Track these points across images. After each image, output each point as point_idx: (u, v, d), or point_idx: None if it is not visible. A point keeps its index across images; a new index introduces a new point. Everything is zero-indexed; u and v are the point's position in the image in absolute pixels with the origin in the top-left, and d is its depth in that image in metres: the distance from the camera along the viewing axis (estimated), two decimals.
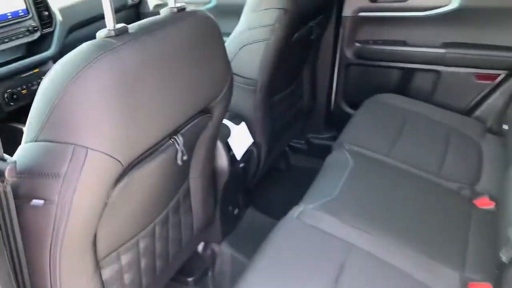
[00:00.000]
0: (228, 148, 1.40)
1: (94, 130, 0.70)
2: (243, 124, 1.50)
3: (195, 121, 1.01)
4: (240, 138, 1.47)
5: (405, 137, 1.58)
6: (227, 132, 1.40)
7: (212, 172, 1.30)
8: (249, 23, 1.44)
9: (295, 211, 1.20)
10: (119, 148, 0.74)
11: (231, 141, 1.41)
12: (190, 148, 1.10)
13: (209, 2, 2.20)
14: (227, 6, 2.17)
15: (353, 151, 1.46)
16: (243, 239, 1.56)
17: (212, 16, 0.99)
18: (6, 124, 1.70)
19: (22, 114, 1.81)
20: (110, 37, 0.75)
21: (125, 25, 0.78)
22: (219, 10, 2.20)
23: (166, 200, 1.09)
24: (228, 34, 2.26)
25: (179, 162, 0.95)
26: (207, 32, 0.96)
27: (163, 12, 0.91)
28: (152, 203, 1.00)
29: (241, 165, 1.47)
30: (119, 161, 0.75)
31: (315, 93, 2.07)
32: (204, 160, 1.19)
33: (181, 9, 0.92)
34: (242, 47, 1.46)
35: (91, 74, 0.69)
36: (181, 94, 0.89)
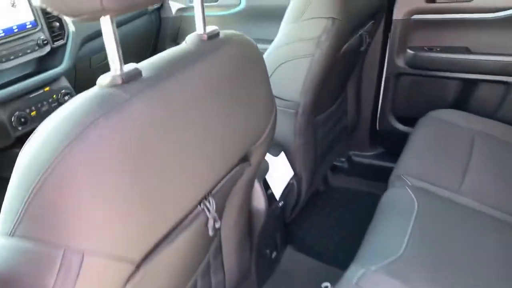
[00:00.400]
0: (265, 186, 1.17)
1: (92, 225, 0.49)
2: (282, 155, 1.27)
3: (231, 173, 0.78)
4: (280, 172, 1.24)
5: (475, 166, 1.32)
6: (265, 167, 1.17)
7: (247, 219, 1.08)
8: (289, 36, 1.20)
9: (354, 273, 0.96)
10: (129, 244, 0.53)
11: (269, 177, 1.18)
12: (222, 207, 0.88)
13: (238, 4, 1.97)
14: (258, 8, 1.95)
15: (416, 188, 1.21)
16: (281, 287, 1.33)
17: (253, 41, 0.76)
18: (13, 150, 1.52)
19: None
20: (116, 85, 0.53)
21: (137, 67, 0.56)
22: (249, 13, 1.97)
23: (193, 269, 0.87)
24: (258, 40, 2.04)
25: (211, 232, 0.73)
26: (248, 63, 0.73)
27: (190, 39, 0.68)
28: (176, 280, 0.79)
29: (280, 203, 1.25)
30: (129, 260, 0.53)
31: (360, 106, 1.82)
32: (239, 209, 0.97)
33: (213, 35, 0.69)
34: (280, 65, 1.23)
35: (86, 146, 0.47)
36: (215, 147, 0.66)
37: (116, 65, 0.53)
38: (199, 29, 0.67)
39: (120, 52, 0.53)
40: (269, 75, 1.25)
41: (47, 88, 1.57)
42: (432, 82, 1.72)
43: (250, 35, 2.14)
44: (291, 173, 1.30)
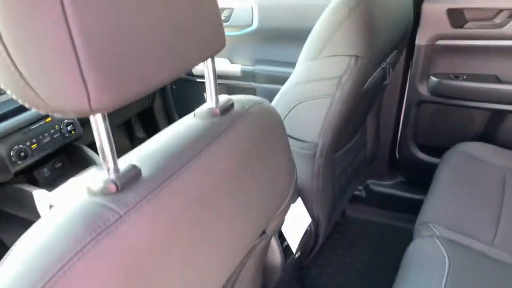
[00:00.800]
0: (281, 238, 1.07)
1: None
2: (299, 201, 1.17)
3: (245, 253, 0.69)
4: (296, 221, 1.15)
5: (509, 211, 1.21)
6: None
7: (261, 280, 0.99)
8: (308, 74, 1.10)
9: None
10: None
11: (285, 229, 1.08)
12: (234, 282, 0.78)
13: (250, 25, 1.88)
14: (270, 30, 1.85)
15: (445, 239, 1.11)
16: None
17: (272, 107, 0.67)
18: (11, 185, 1.43)
19: (31, 172, 1.55)
20: (108, 194, 0.43)
21: (135, 164, 0.46)
22: (261, 33, 1.88)
23: None
24: (270, 62, 1.95)
25: None
26: (267, 135, 0.63)
27: (200, 114, 0.58)
28: None
29: (297, 255, 1.15)
30: None
31: (379, 136, 1.72)
32: (252, 277, 0.87)
33: (227, 108, 0.59)
34: (297, 104, 1.13)
35: (70, 284, 0.38)
36: (231, 240, 0.57)
37: (109, 164, 0.44)
38: (210, 102, 0.58)
39: (114, 149, 0.44)
40: (284, 115, 1.17)
41: (48, 119, 1.48)
42: (457, 112, 1.61)
43: (262, 56, 2.00)
44: (308, 220, 1.20)
